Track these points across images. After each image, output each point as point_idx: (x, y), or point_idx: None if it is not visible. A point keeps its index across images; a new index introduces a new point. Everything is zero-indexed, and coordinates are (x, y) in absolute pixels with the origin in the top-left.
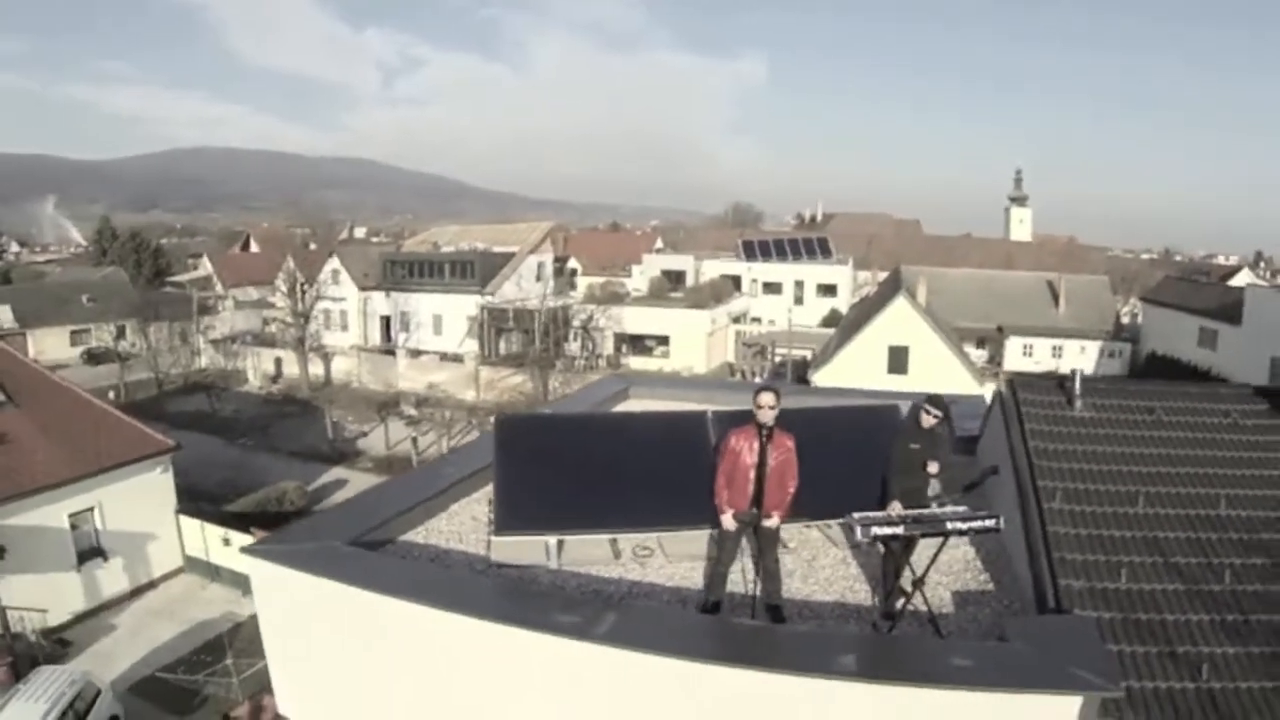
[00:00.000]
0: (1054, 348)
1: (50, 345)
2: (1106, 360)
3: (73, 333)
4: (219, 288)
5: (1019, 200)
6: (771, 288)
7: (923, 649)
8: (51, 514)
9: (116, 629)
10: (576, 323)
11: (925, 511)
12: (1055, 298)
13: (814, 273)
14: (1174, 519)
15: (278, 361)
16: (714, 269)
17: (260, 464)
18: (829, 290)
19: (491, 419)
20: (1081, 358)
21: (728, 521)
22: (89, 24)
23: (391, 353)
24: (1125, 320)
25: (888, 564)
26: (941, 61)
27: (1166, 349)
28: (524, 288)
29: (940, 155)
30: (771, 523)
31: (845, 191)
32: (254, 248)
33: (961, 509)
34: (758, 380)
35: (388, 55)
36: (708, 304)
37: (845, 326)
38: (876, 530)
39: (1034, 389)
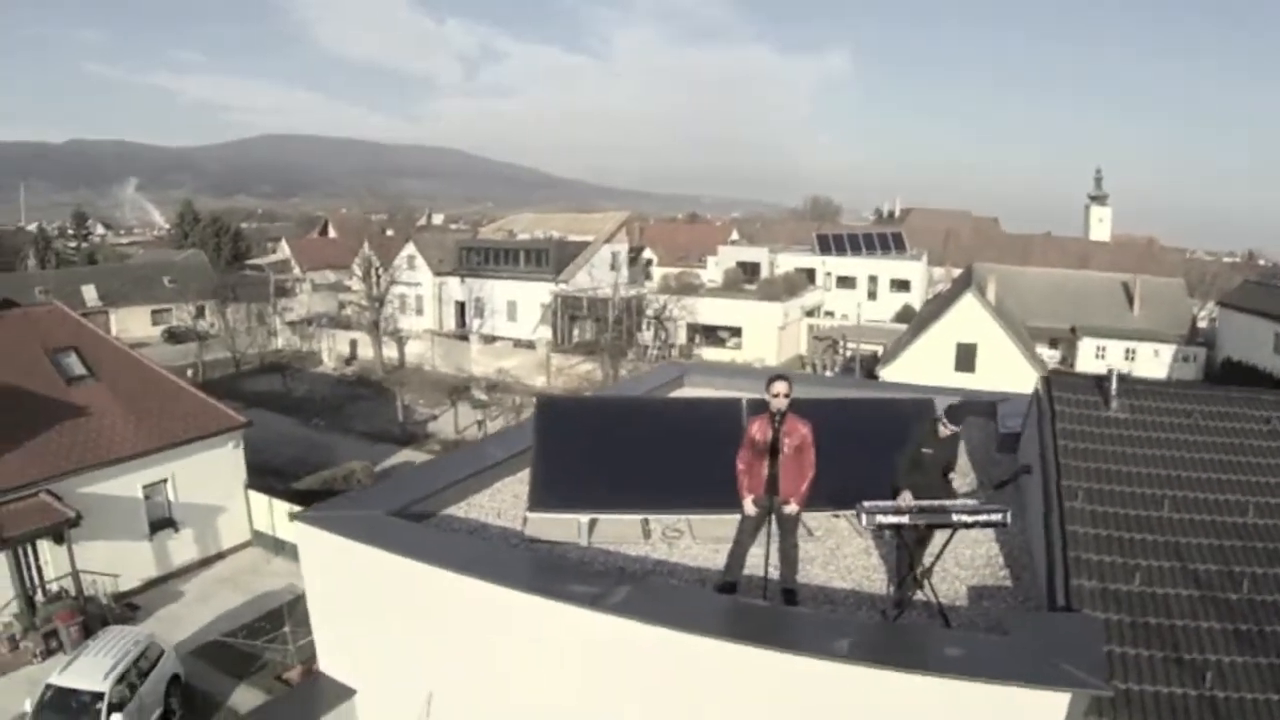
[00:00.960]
0: (1127, 350)
1: (132, 324)
2: (1180, 365)
3: (154, 312)
4: (296, 271)
5: (1099, 199)
6: (845, 282)
7: (920, 637)
8: (127, 484)
9: (184, 596)
10: (650, 312)
11: (932, 503)
12: (1130, 299)
13: (888, 268)
14: (1198, 525)
15: (352, 344)
16: (789, 262)
17: (331, 444)
18: (903, 286)
19: None
20: (1155, 361)
21: (748, 506)
22: (174, 14)
23: (464, 338)
24: (1202, 324)
25: (901, 555)
26: (1028, 59)
27: (1243, 355)
28: (598, 277)
29: (1023, 153)
30: (790, 509)
31: (925, 187)
32: (332, 233)
33: (971, 503)
34: (829, 374)
35: (469, 46)
36: (780, 296)
37: (917, 323)
38: (881, 519)
39: (1070, 387)
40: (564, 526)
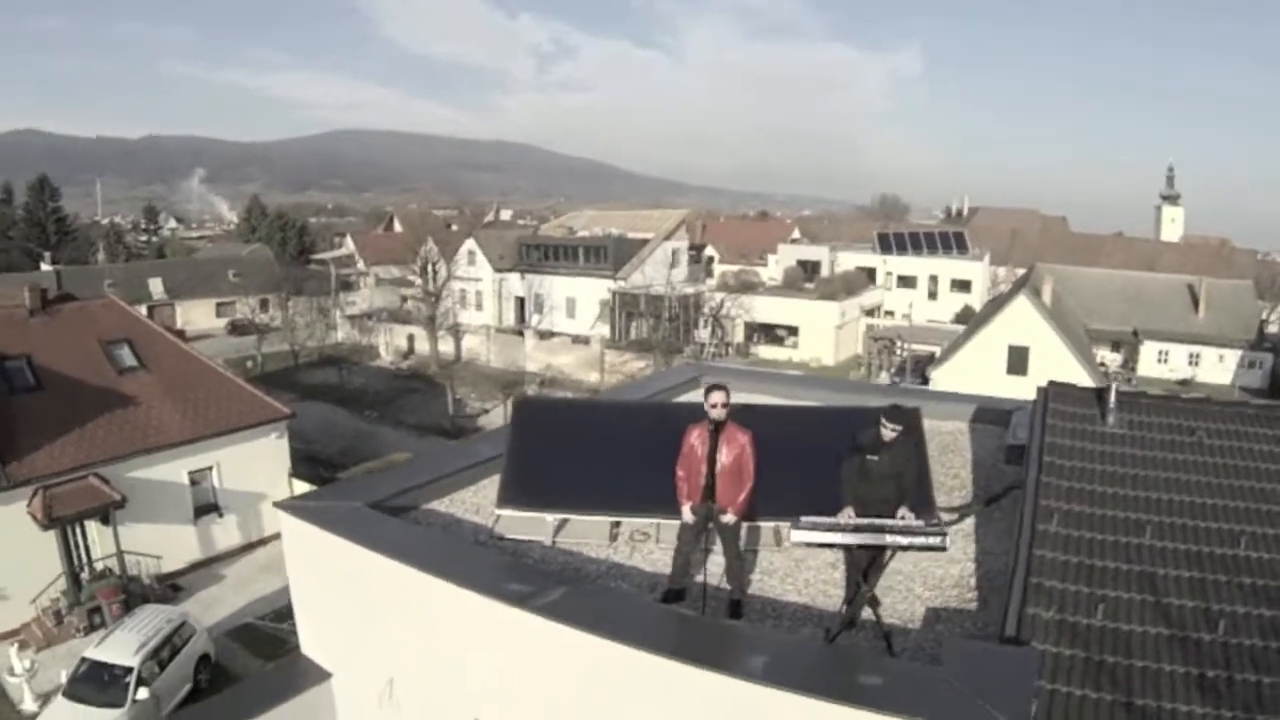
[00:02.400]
0: (1191, 355)
1: (197, 316)
2: (1245, 370)
3: (218, 305)
4: (360, 265)
5: (1171, 199)
6: (906, 281)
7: (847, 663)
8: (173, 470)
9: (225, 579)
10: (707, 310)
11: (865, 521)
12: (1195, 302)
13: (948, 267)
14: (1181, 555)
15: (410, 338)
16: (849, 261)
17: (381, 435)
18: (963, 286)
19: None
20: (1219, 366)
21: (685, 514)
22: (248, 12)
23: (520, 333)
24: (1272, 329)
25: (850, 573)
26: (1102, 56)
27: None
28: (657, 274)
29: (1097, 151)
30: (727, 519)
31: (994, 186)
32: (397, 228)
33: (916, 523)
34: (885, 375)
35: (542, 41)
36: (838, 296)
37: (973, 324)
38: (803, 535)
39: (1067, 399)
40: (531, 525)
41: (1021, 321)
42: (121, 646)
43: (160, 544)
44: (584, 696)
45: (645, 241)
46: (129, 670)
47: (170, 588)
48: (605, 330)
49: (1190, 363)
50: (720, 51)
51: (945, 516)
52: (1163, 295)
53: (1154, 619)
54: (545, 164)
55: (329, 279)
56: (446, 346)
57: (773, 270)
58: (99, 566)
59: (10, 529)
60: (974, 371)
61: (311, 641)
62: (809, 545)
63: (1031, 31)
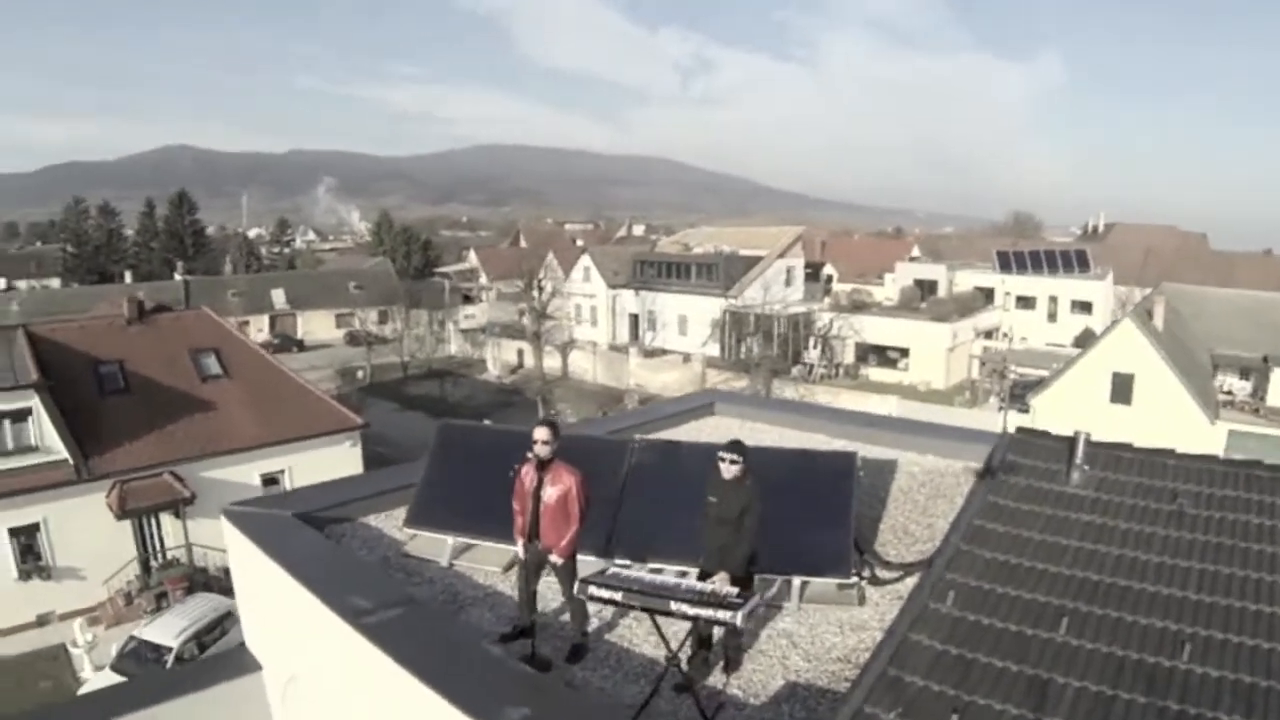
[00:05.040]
0: None
1: (317, 325)
2: None
3: (338, 315)
4: (483, 279)
5: None
6: (1025, 302)
7: None
8: (246, 472)
9: None
10: (817, 330)
11: (662, 580)
12: None
13: (1069, 288)
14: (1099, 660)
15: (519, 353)
16: (968, 280)
17: None
18: (1084, 307)
19: None
20: None
21: (519, 550)
22: (392, 31)
23: (625, 350)
24: None
25: (691, 630)
26: (1250, 69)
27: None
28: (770, 292)
29: (1243, 163)
30: (554, 559)
31: (1136, 202)
32: (523, 242)
33: (726, 589)
34: (994, 401)
35: (682, 56)
36: (950, 316)
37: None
38: (591, 590)
39: (1030, 450)
40: (434, 546)
41: (1127, 347)
42: (167, 628)
43: None
44: (376, 713)
45: (759, 259)
46: (169, 650)
47: None
48: (716, 349)
49: None
50: (859, 64)
51: (884, 574)
52: None
53: None
54: (686, 179)
55: (445, 293)
56: (554, 362)
57: (889, 289)
58: (169, 556)
59: (90, 517)
60: (1076, 400)
61: (249, 635)
62: (596, 600)
63: (1172, 43)
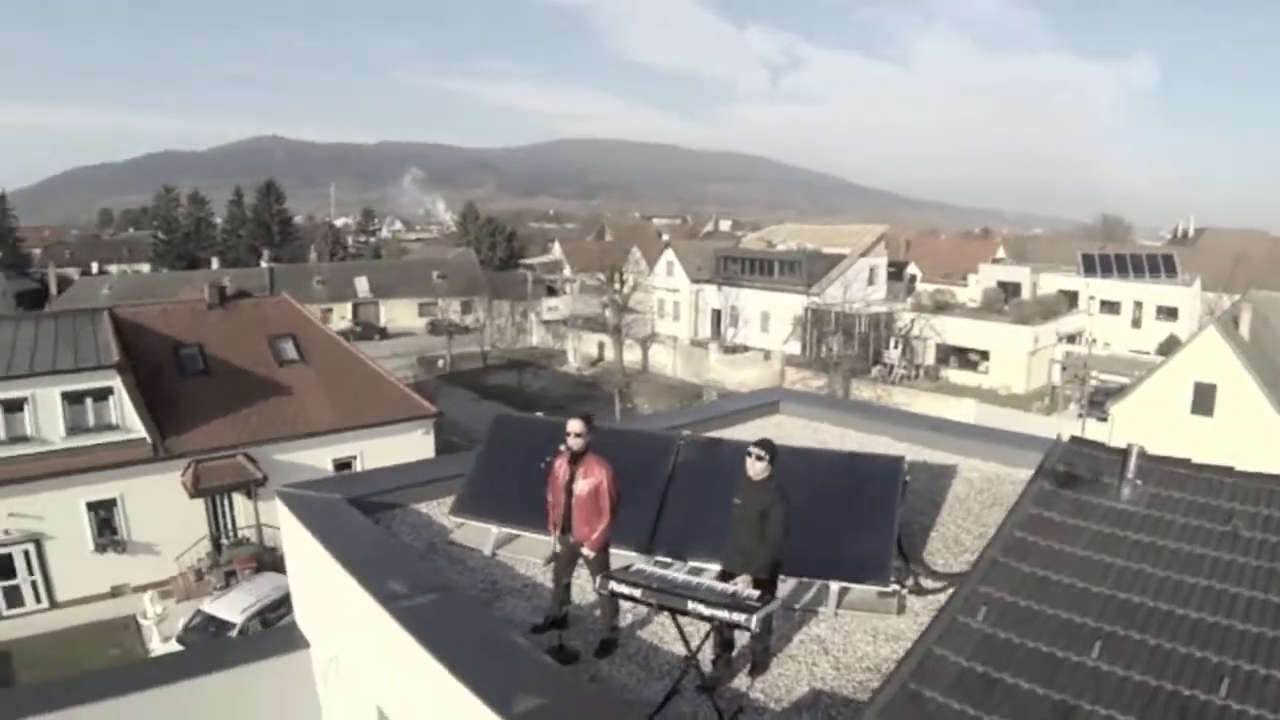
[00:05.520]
0: None
1: (399, 314)
2: None
3: (420, 305)
4: (567, 271)
5: None
6: (1109, 306)
7: None
8: (318, 456)
9: None
10: (898, 329)
11: (684, 579)
12: None
13: (1154, 293)
14: (1130, 689)
15: (600, 345)
16: (1051, 283)
17: None
18: (1170, 313)
19: None
20: None
21: (553, 541)
22: (480, 23)
23: (705, 346)
24: None
25: (713, 633)
26: None
27: None
28: (851, 290)
29: None
30: (585, 553)
31: (1232, 205)
32: (608, 236)
33: (746, 591)
34: (1074, 407)
35: (771, 53)
36: (1032, 320)
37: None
38: (611, 585)
39: (1079, 461)
40: (479, 535)
41: (1210, 356)
42: (232, 604)
43: None
44: (406, 697)
45: (841, 257)
46: (233, 625)
47: None
48: (796, 347)
49: None
50: (950, 63)
51: (928, 584)
52: None
53: None
54: (776, 176)
55: (527, 284)
56: (635, 356)
57: (972, 290)
58: (239, 535)
59: (165, 495)
60: (1156, 410)
61: (299, 613)
62: (613, 594)
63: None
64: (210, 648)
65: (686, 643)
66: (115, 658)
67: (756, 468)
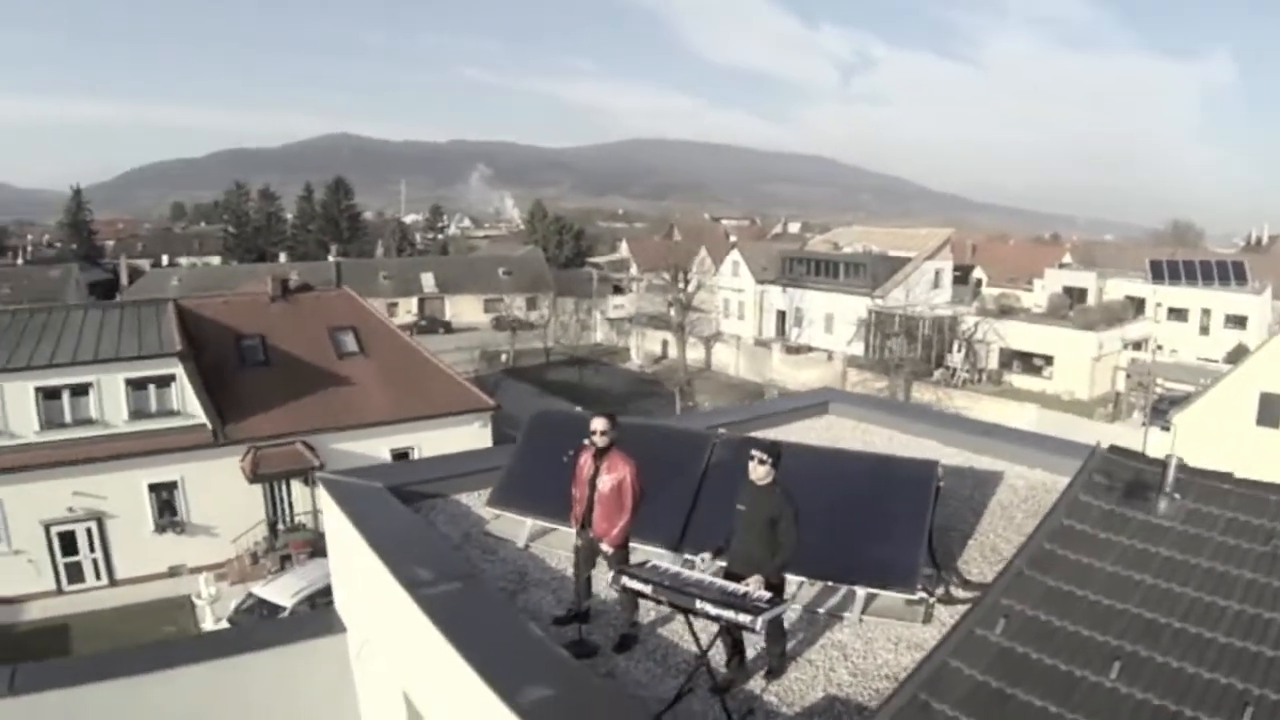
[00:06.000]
0: None
1: (465, 309)
2: None
3: (486, 301)
4: (633, 270)
5: None
6: (1176, 314)
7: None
8: (376, 446)
9: None
10: (961, 333)
11: (697, 578)
12: None
13: (1223, 300)
14: (1147, 713)
15: (664, 344)
16: (1118, 289)
17: None
18: (1239, 322)
19: None
20: None
21: (576, 536)
22: (556, 25)
23: (768, 346)
24: None
25: (723, 635)
26: None
27: None
28: (917, 294)
29: None
30: (604, 548)
31: None
32: (677, 235)
33: (763, 594)
34: (1137, 415)
35: (843, 52)
36: (1097, 325)
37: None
38: (624, 580)
39: (1115, 471)
40: (514, 527)
41: (1278, 365)
42: (283, 588)
43: None
44: (427, 682)
45: (907, 260)
46: (283, 609)
47: None
48: (860, 348)
49: None
50: (1022, 64)
51: (959, 593)
52: None
53: None
54: (846, 179)
55: (598, 282)
56: (698, 354)
57: (1038, 295)
58: (295, 521)
59: (225, 479)
60: (1221, 420)
61: (338, 598)
62: (624, 590)
63: None
64: (251, 628)
65: (697, 641)
66: (169, 635)
67: (759, 471)
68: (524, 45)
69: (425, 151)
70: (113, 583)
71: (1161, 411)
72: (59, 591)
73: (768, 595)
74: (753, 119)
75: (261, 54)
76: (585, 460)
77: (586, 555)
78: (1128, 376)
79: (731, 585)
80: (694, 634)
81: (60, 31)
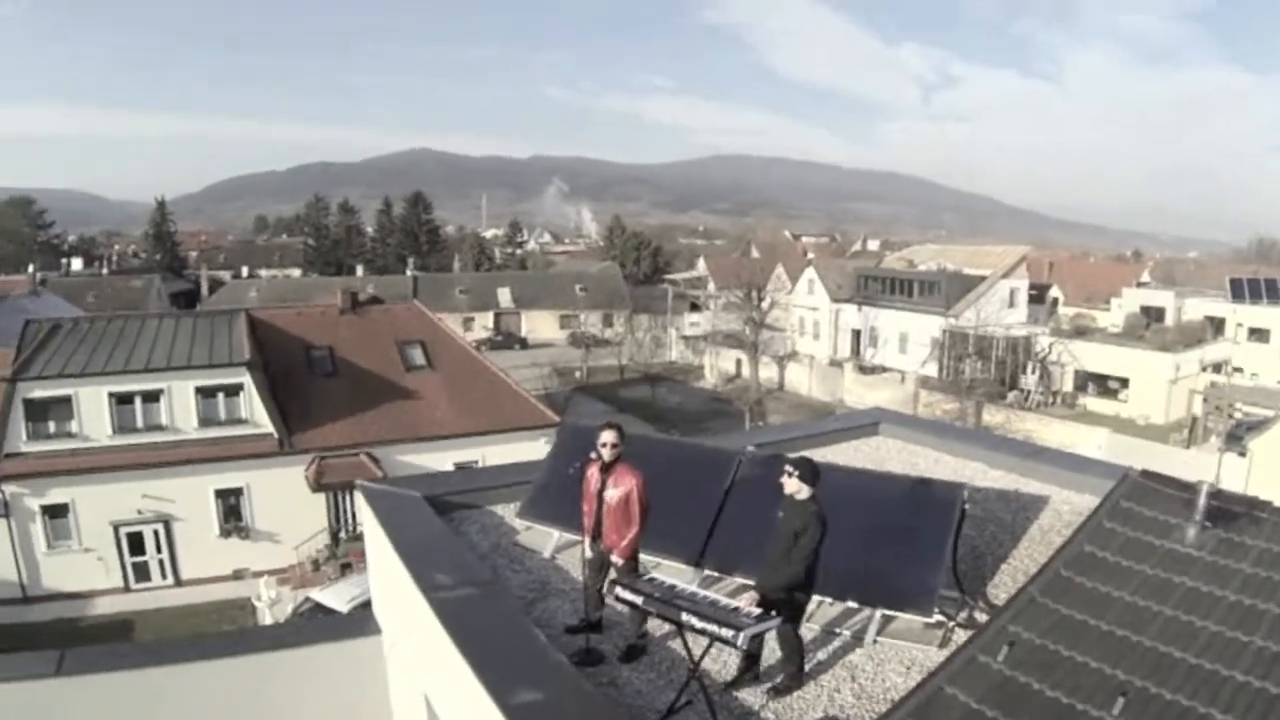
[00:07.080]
0: None
1: (540, 324)
2: None
3: (561, 316)
4: (711, 287)
5: None
6: (1258, 334)
7: None
8: (440, 459)
9: None
10: (1036, 354)
11: (690, 591)
12: None
13: None
14: None
15: (738, 363)
16: (1198, 308)
17: None
18: None
19: None
20: None
21: (586, 548)
22: (640, 41)
23: (841, 365)
24: None
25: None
26: None
27: None
28: (991, 313)
29: None
30: (614, 560)
31: None
32: (755, 253)
33: (753, 610)
34: (1216, 438)
35: (925, 71)
36: (1174, 346)
37: None
38: (618, 591)
39: (1148, 497)
40: (542, 538)
41: None
42: (339, 594)
43: None
44: (443, 685)
45: (982, 279)
46: (338, 614)
47: None
48: (934, 369)
49: None
50: (1104, 81)
51: (983, 618)
52: None
53: None
54: (926, 196)
55: (674, 299)
56: (771, 373)
57: (1115, 315)
58: (357, 530)
59: (290, 487)
60: None
61: (375, 601)
62: (621, 602)
63: None
64: (295, 626)
65: (690, 654)
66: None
67: (790, 485)
68: (611, 64)
69: (506, 166)
70: (178, 583)
71: (1237, 437)
72: (126, 589)
73: (757, 611)
74: (835, 136)
75: (349, 74)
76: (592, 473)
77: (597, 567)
78: (1205, 400)
79: (724, 600)
80: (687, 647)
81: (154, 46)
